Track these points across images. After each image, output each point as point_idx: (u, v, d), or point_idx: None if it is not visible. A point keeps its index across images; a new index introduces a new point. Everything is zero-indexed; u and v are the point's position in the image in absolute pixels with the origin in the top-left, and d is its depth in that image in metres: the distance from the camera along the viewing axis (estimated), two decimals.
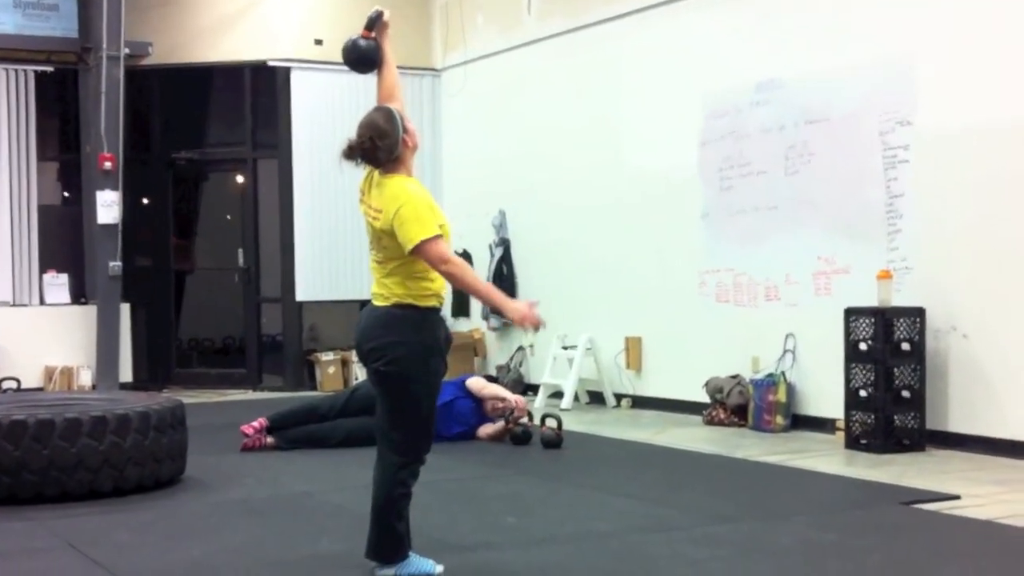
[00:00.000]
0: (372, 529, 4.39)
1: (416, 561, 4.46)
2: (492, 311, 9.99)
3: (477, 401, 8.32)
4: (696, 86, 9.60)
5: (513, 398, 8.26)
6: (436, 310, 4.42)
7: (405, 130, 4.42)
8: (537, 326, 4.31)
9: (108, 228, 11.43)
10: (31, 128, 11.68)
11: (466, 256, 12.38)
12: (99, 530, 5.43)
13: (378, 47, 4.73)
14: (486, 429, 8.26)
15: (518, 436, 8.04)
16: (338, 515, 5.26)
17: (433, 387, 4.40)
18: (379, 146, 4.37)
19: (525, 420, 8.16)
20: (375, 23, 4.74)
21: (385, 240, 4.36)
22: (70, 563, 4.82)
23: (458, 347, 11.92)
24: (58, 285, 11.82)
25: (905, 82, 7.90)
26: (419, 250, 4.24)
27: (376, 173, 4.46)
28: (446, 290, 4.48)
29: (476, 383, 8.45)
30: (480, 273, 11.97)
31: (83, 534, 5.33)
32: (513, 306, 4.35)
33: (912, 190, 7.88)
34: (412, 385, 4.33)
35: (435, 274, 4.38)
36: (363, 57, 4.75)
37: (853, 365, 7.78)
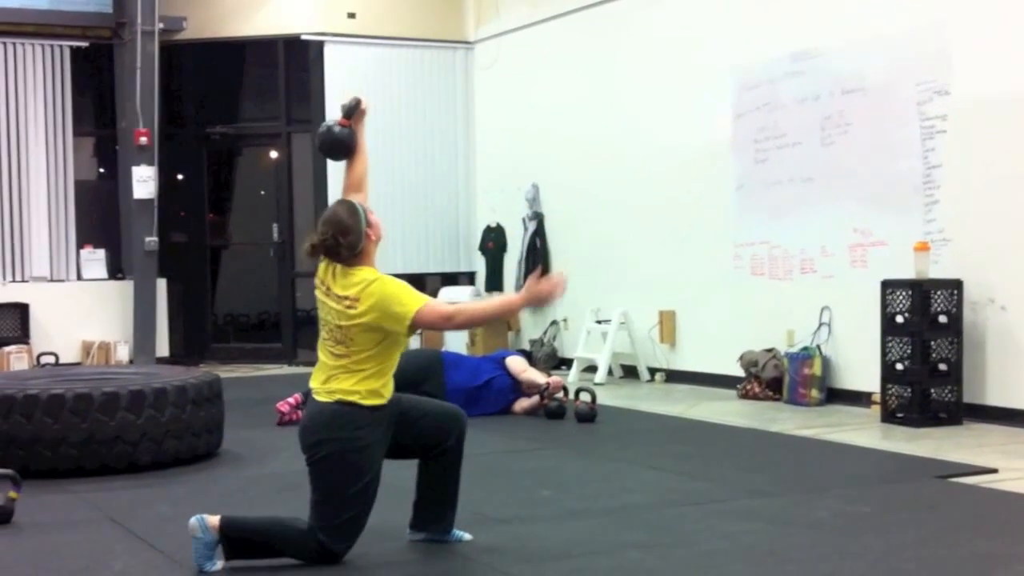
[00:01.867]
0: (250, 527, 4.29)
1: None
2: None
3: (515, 378, 8.35)
4: (730, 57, 9.52)
5: (553, 380, 8.29)
6: (380, 408, 4.29)
7: (368, 224, 4.31)
8: (558, 290, 4.23)
9: (144, 203, 11.51)
10: (67, 104, 11.76)
11: (499, 230, 12.40)
12: (138, 503, 5.50)
13: (353, 134, 4.65)
14: (521, 404, 8.28)
15: (553, 411, 8.06)
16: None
17: (364, 484, 4.25)
18: (342, 243, 4.26)
19: (560, 395, 8.17)
20: (353, 111, 4.64)
21: (355, 333, 4.23)
22: (110, 535, 4.88)
23: (491, 321, 11.95)
24: (95, 260, 11.92)
25: (942, 51, 7.81)
26: (419, 319, 4.17)
27: (338, 267, 4.34)
28: (390, 389, 4.34)
29: (516, 364, 8.45)
30: (513, 248, 12.05)
31: (122, 507, 5.39)
32: (524, 298, 4.25)
33: (949, 161, 7.80)
34: (342, 482, 4.22)
35: (388, 375, 4.28)
36: (339, 144, 4.66)
37: (889, 338, 7.73)
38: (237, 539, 4.23)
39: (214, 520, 4.21)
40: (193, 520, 4.21)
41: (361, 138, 4.68)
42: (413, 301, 4.20)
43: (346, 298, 4.26)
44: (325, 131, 4.68)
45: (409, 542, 4.61)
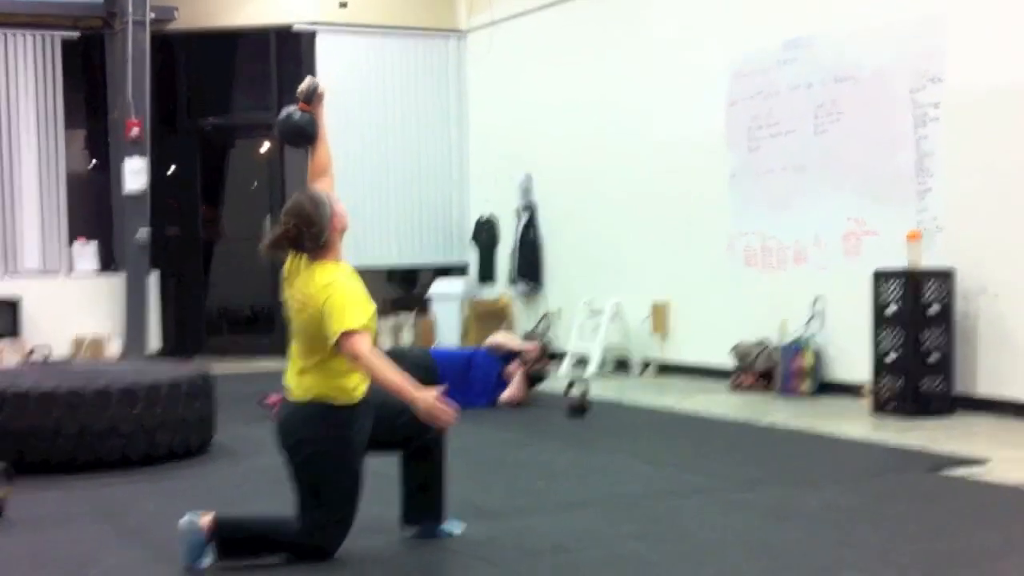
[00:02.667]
0: (246, 525, 4.34)
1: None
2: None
3: (498, 359, 8.41)
4: (723, 45, 9.51)
5: (527, 346, 8.55)
6: (353, 406, 4.23)
7: (333, 213, 4.23)
8: (448, 420, 4.05)
9: (136, 196, 11.47)
10: (58, 95, 11.73)
11: (491, 222, 12.39)
12: (130, 498, 5.49)
13: (314, 119, 4.54)
14: (505, 394, 8.30)
15: (533, 377, 8.28)
16: (365, 480, 5.29)
17: (348, 481, 4.24)
18: (305, 233, 4.17)
19: (538, 361, 8.41)
20: (311, 95, 4.53)
21: (311, 331, 4.17)
22: (103, 530, 4.88)
23: (485, 314, 11.95)
24: (87, 254, 11.88)
25: (936, 39, 7.80)
26: (342, 340, 4.04)
27: (304, 258, 4.26)
28: (365, 385, 4.26)
29: (492, 340, 8.70)
30: (507, 239, 12.03)
31: (115, 502, 5.39)
32: (421, 398, 4.02)
33: (943, 149, 7.80)
34: (325, 481, 4.21)
35: (358, 373, 4.19)
36: (301, 130, 4.56)
37: (881, 329, 7.73)
38: (229, 539, 4.23)
39: (205, 520, 4.19)
40: (183, 520, 4.20)
41: (322, 122, 4.59)
42: (348, 322, 4.05)
43: (304, 297, 4.21)
44: (285, 117, 4.58)
45: (401, 536, 4.60)
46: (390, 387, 4.07)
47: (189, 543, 4.18)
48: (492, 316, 11.98)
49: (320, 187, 4.47)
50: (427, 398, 4.03)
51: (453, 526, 4.65)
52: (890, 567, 4.15)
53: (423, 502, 4.58)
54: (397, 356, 8.33)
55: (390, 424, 4.39)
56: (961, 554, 4.33)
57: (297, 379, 4.29)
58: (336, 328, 4.05)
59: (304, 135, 4.59)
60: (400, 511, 4.62)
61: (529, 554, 4.40)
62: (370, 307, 4.24)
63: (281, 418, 4.35)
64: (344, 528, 4.29)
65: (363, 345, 4.05)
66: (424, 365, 8.11)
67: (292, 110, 4.58)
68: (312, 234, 4.19)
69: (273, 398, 7.91)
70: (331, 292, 4.12)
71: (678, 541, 4.57)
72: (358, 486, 4.30)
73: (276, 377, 9.37)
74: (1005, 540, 4.53)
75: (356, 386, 4.25)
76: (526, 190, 11.76)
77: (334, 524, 4.26)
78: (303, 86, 4.58)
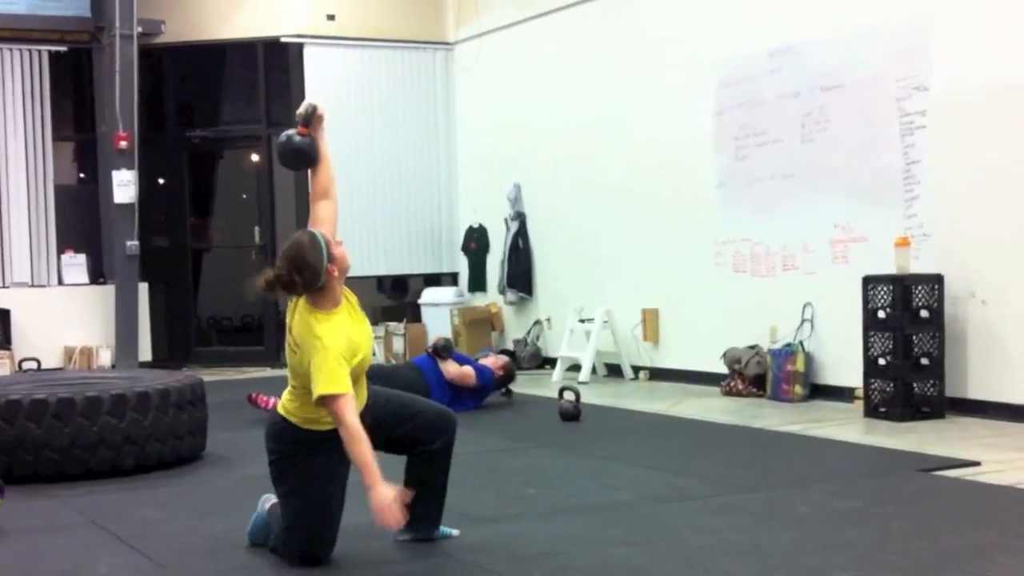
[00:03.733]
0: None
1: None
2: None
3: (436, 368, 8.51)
4: (710, 54, 9.55)
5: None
6: (318, 433, 4.21)
7: (331, 258, 4.16)
8: (389, 524, 3.99)
9: (125, 207, 11.47)
10: (46, 108, 11.73)
11: (482, 231, 12.39)
12: (122, 506, 5.48)
13: (314, 142, 4.50)
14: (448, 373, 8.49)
15: (438, 347, 8.50)
16: (357, 488, 5.28)
17: (315, 493, 4.24)
18: (297, 280, 4.13)
19: (434, 341, 8.69)
20: (310, 118, 4.49)
21: (298, 373, 4.19)
22: (94, 539, 4.86)
23: (475, 322, 11.96)
24: (76, 265, 11.88)
25: (920, 46, 7.84)
26: (322, 401, 4.04)
27: (303, 299, 4.23)
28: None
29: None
30: (496, 248, 12.04)
31: (106, 511, 5.37)
32: (379, 492, 3.94)
33: (929, 156, 7.83)
34: (290, 490, 4.28)
35: None
36: (301, 154, 4.51)
37: (872, 333, 7.76)
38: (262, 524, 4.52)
39: (270, 502, 4.53)
40: (265, 497, 4.60)
41: (322, 144, 4.55)
42: (330, 387, 4.02)
43: (295, 340, 4.21)
44: (285, 141, 4.55)
45: (395, 542, 4.60)
46: (357, 464, 4.03)
47: (256, 517, 4.57)
48: (482, 324, 11.99)
49: (323, 210, 4.45)
50: (382, 495, 3.94)
51: (448, 530, 4.66)
52: (881, 568, 4.16)
53: (421, 509, 4.56)
54: (387, 373, 8.39)
55: (397, 428, 4.39)
56: (952, 555, 4.34)
57: (284, 393, 4.36)
58: (318, 391, 4.05)
59: (304, 158, 4.56)
60: None
61: (521, 559, 4.40)
62: (360, 350, 4.21)
63: (266, 425, 4.47)
64: (317, 536, 4.29)
65: (345, 412, 4.02)
66: (413, 379, 8.13)
67: (292, 133, 4.54)
68: (306, 280, 4.16)
69: (260, 397, 7.97)
70: (318, 350, 4.07)
71: (669, 545, 4.57)
72: (328, 499, 4.29)
73: (266, 385, 9.41)
74: (996, 541, 4.54)
75: (325, 415, 4.18)
76: (515, 199, 11.77)
77: (308, 530, 4.27)
78: (301, 109, 4.56)
